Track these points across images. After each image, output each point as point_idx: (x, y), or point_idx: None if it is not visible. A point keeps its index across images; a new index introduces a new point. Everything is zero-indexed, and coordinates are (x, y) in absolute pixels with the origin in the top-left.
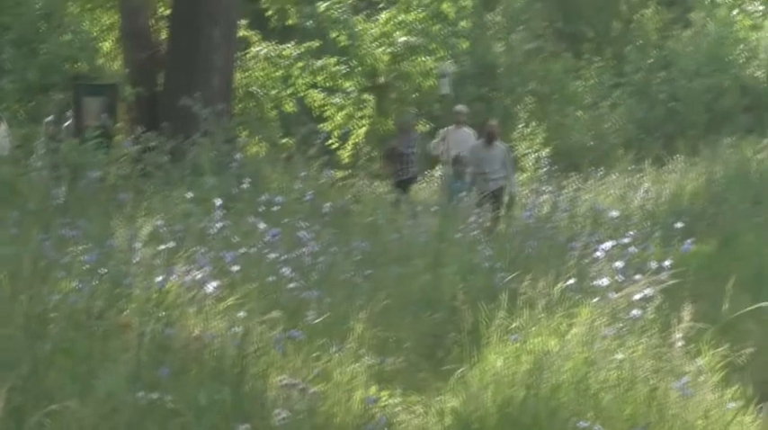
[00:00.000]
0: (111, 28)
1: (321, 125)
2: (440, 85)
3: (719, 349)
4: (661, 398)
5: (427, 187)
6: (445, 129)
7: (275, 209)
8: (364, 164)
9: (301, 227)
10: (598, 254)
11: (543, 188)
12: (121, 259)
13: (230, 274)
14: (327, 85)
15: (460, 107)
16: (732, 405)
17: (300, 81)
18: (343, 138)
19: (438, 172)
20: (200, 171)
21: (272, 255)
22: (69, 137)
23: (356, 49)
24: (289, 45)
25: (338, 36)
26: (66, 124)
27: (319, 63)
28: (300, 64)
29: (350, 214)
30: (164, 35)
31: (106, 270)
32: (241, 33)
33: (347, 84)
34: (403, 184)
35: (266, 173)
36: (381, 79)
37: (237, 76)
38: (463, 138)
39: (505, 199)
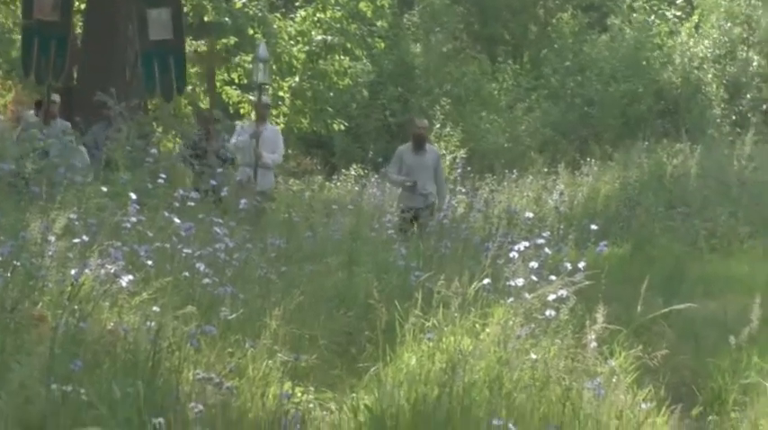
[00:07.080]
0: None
1: (237, 122)
2: (254, 72)
3: (633, 351)
4: (574, 398)
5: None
6: (249, 123)
7: (190, 205)
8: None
9: (216, 223)
10: (513, 254)
11: (458, 189)
12: (35, 252)
13: (144, 269)
14: (243, 82)
15: (266, 99)
16: (645, 406)
17: (216, 77)
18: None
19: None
20: (115, 166)
21: (187, 251)
22: None
23: (273, 47)
24: (205, 41)
25: (255, 33)
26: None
27: (235, 60)
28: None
29: (265, 211)
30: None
31: (19, 262)
32: None
33: None
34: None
35: (181, 169)
36: (296, 79)
37: None
38: (272, 137)
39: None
